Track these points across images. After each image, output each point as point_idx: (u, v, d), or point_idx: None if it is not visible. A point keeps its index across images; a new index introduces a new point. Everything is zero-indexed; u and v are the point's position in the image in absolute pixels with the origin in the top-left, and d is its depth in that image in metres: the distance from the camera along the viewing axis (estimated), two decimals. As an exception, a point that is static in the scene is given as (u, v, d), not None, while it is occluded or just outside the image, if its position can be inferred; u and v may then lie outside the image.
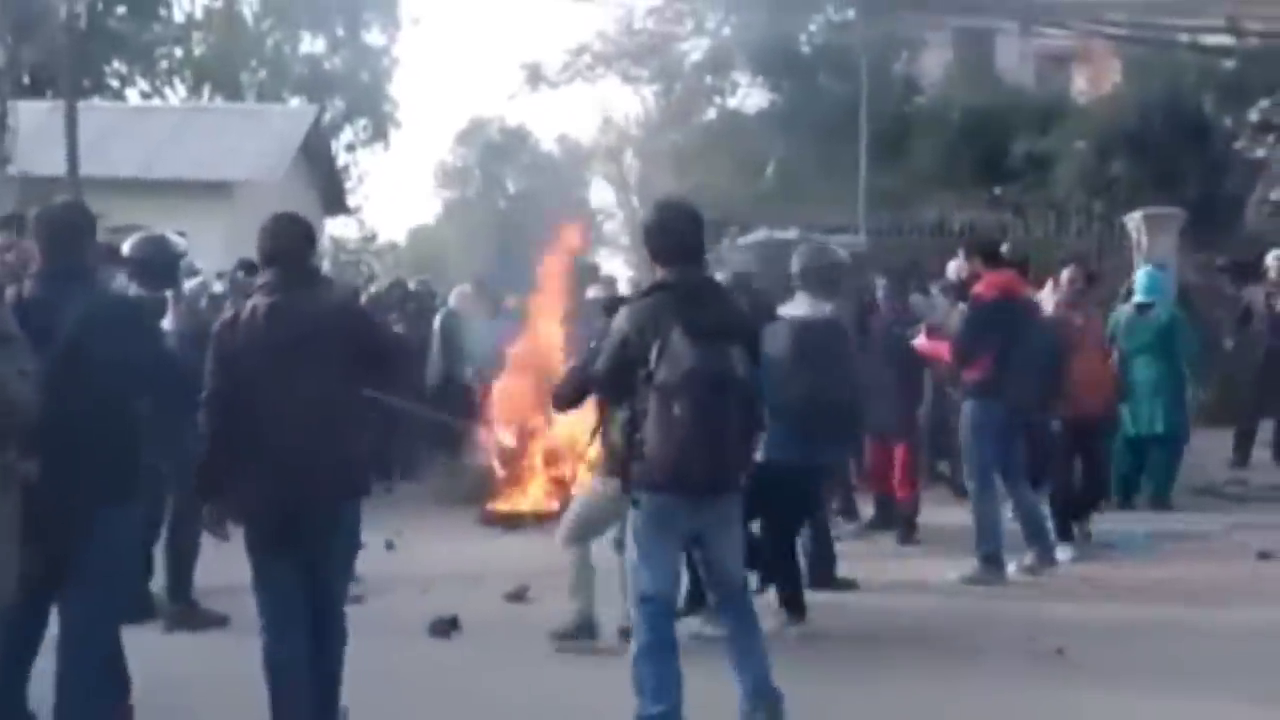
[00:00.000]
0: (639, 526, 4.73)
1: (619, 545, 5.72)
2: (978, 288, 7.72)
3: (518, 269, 12.65)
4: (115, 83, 30.10)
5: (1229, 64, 19.91)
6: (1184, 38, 19.81)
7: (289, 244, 4.59)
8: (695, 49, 25.88)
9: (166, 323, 6.22)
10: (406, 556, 8.36)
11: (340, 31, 33.94)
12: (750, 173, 23.42)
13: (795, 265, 6.73)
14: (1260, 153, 19.63)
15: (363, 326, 4.84)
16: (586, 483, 6.38)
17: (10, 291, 4.31)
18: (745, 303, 5.97)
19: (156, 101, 29.87)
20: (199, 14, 32.61)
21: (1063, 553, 7.98)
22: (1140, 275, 10.06)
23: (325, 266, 18.79)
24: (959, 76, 23.45)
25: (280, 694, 4.46)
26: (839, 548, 7.55)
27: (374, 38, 34.62)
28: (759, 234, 14.67)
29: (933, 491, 9.68)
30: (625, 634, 5.26)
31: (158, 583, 6.57)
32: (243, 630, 5.01)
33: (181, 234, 7.35)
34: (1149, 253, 13.30)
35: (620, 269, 21.43)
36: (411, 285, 13.66)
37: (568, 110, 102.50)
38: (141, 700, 4.46)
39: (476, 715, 5.37)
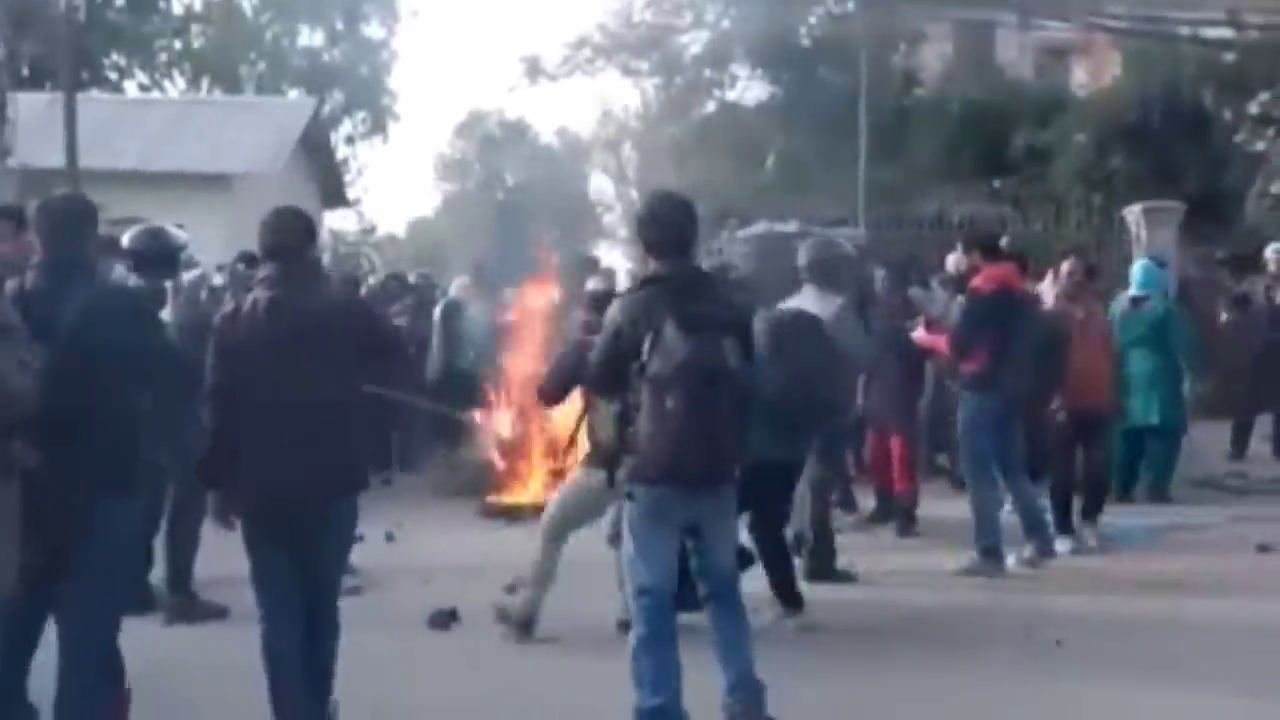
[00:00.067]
0: (635, 520, 4.72)
1: (614, 540, 5.73)
2: (976, 281, 7.73)
3: (517, 261, 12.67)
4: (114, 75, 30.07)
5: (1229, 57, 19.91)
6: (1184, 30, 19.79)
7: (290, 238, 4.58)
8: (695, 41, 25.87)
9: (166, 314, 6.24)
10: (406, 548, 8.38)
11: (339, 24, 34.00)
12: (750, 165, 23.43)
13: (802, 259, 6.73)
14: (1260, 146, 19.67)
15: (363, 321, 4.84)
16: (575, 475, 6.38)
17: (11, 283, 4.31)
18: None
19: (155, 94, 29.81)
20: (198, 6, 32.69)
21: (1062, 545, 7.99)
22: (1136, 268, 10.04)
23: (325, 260, 18.78)
24: (958, 69, 23.43)
25: (279, 684, 4.48)
26: (839, 540, 7.57)
27: (373, 30, 34.74)
28: (758, 227, 14.64)
29: (932, 484, 9.69)
30: (623, 626, 5.27)
31: (158, 574, 6.59)
32: (242, 621, 5.01)
33: (181, 226, 7.36)
34: (1148, 246, 13.32)
35: (619, 261, 21.42)
36: (412, 278, 13.65)
37: (567, 103, 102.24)
38: (141, 691, 4.45)
39: (475, 707, 5.37)
